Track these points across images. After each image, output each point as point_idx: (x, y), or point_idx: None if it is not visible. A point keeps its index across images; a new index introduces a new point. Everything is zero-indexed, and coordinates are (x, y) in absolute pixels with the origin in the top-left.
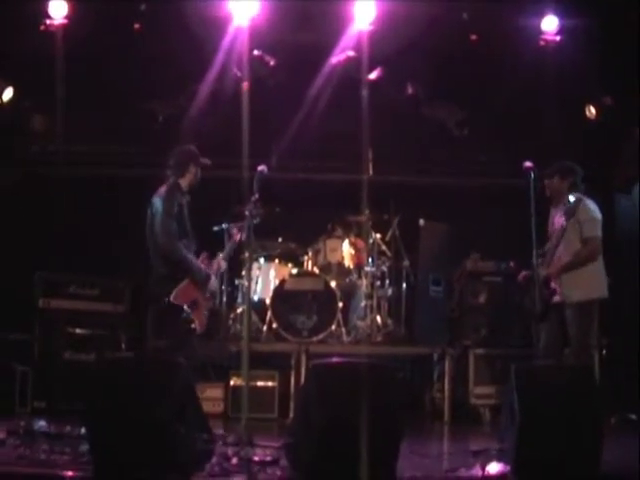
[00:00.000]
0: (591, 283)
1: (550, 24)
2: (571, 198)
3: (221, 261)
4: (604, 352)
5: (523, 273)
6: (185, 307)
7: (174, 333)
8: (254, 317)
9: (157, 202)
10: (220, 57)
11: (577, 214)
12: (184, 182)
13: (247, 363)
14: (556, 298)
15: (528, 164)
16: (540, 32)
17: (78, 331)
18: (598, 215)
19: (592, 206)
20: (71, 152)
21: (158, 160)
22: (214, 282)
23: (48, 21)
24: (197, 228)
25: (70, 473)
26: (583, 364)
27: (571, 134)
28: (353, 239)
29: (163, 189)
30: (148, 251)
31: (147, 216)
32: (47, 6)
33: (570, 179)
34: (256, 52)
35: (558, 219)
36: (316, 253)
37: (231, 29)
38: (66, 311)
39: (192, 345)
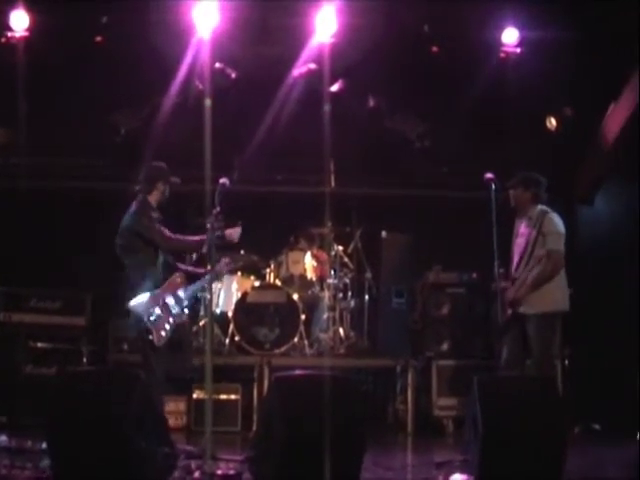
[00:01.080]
0: (553, 296)
1: (510, 36)
2: (536, 210)
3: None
4: (566, 363)
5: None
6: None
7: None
8: (216, 330)
9: (126, 219)
10: (182, 70)
11: (542, 227)
12: (152, 199)
13: (210, 376)
14: (520, 309)
15: (489, 175)
16: (501, 44)
17: (39, 345)
18: (562, 229)
19: (557, 219)
20: (33, 165)
21: (121, 173)
22: (176, 294)
23: (9, 33)
24: None
25: None
26: (546, 375)
27: (532, 145)
28: (315, 251)
29: (133, 206)
30: (111, 263)
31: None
32: (8, 18)
33: (533, 190)
34: (218, 65)
35: (523, 230)
36: (278, 265)
37: (193, 42)
38: (27, 325)
39: (151, 359)
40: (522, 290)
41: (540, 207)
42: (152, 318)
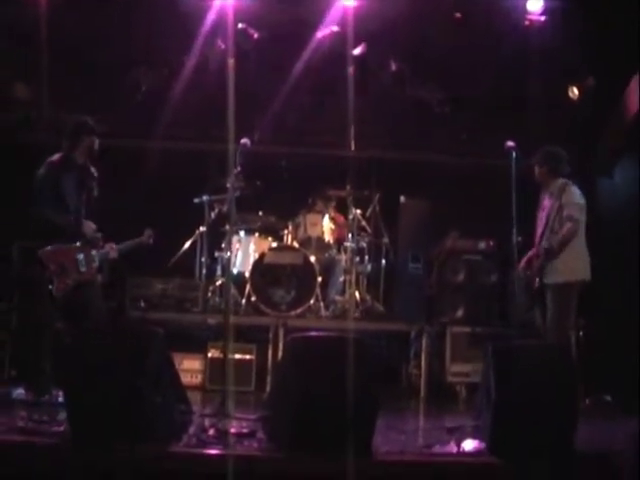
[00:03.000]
0: (570, 266)
1: (535, 4)
2: (557, 183)
3: (113, 247)
4: (581, 334)
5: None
6: (51, 267)
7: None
8: (233, 290)
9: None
10: (205, 29)
11: (562, 198)
12: (78, 153)
13: (230, 336)
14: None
15: (510, 143)
16: (525, 12)
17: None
18: (581, 200)
19: (576, 191)
20: (54, 120)
21: (139, 130)
22: (89, 253)
23: None
24: (178, 200)
25: (48, 441)
26: (560, 344)
27: (554, 114)
28: (333, 214)
29: (49, 160)
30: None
31: None
32: None
33: (552, 164)
34: (240, 25)
35: (546, 203)
36: (296, 227)
37: (216, 1)
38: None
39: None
40: (540, 258)
41: (561, 180)
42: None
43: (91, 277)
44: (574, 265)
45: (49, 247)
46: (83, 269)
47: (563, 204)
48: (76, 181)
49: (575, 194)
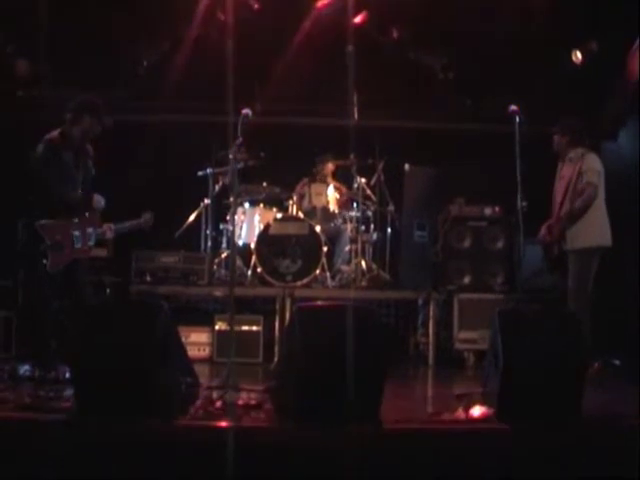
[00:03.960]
0: (589, 232)
1: None
2: (576, 152)
3: (110, 228)
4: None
5: (543, 230)
6: (48, 241)
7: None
8: (238, 262)
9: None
10: (204, 1)
11: (582, 165)
12: (77, 131)
13: (234, 308)
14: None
15: (513, 108)
16: None
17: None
18: (600, 167)
19: (595, 157)
20: (57, 97)
21: (142, 105)
22: (85, 231)
23: None
24: (182, 173)
25: (54, 417)
26: (568, 309)
27: (558, 79)
28: (338, 184)
29: (47, 137)
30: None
31: None
32: None
33: (570, 135)
34: None
35: (564, 172)
36: (301, 197)
37: None
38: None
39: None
40: (560, 224)
41: (580, 148)
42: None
43: (84, 254)
44: (594, 231)
45: (48, 221)
46: (78, 246)
47: (583, 171)
48: (73, 159)
49: (595, 161)
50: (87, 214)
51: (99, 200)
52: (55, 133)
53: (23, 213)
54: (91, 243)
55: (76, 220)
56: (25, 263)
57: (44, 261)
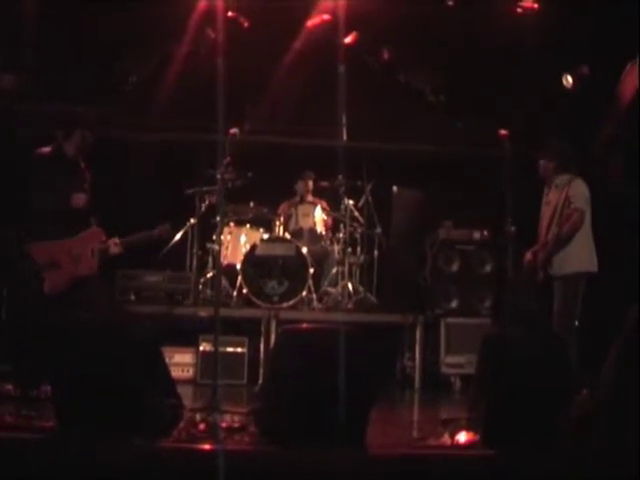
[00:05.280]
0: (580, 257)
1: None
2: (562, 177)
3: (116, 242)
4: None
5: (529, 255)
6: (40, 262)
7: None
8: (224, 282)
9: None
10: (194, 18)
11: (569, 190)
12: (70, 145)
13: (217, 328)
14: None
15: (503, 132)
16: None
17: None
18: (587, 192)
19: (582, 183)
20: (42, 112)
21: (129, 121)
22: (86, 248)
23: None
24: (168, 191)
25: (36, 436)
26: (556, 334)
27: (549, 103)
28: (325, 205)
29: (38, 151)
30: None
31: None
32: None
33: (558, 160)
34: (231, 13)
35: (550, 197)
36: (288, 218)
37: None
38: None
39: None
40: (546, 249)
41: (567, 175)
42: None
43: (88, 272)
44: (581, 256)
45: (39, 242)
46: (80, 264)
47: (570, 196)
48: (67, 176)
49: (581, 186)
50: (88, 230)
51: (79, 197)
52: (47, 148)
53: (11, 227)
54: (95, 260)
55: (75, 237)
56: (11, 280)
57: (40, 283)
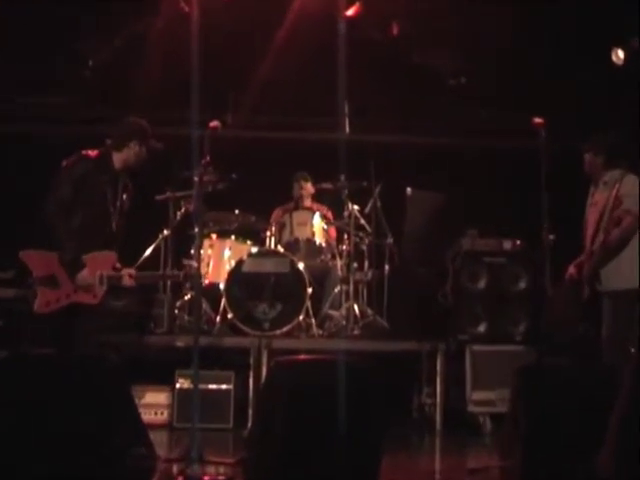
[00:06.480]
0: (633, 269)
1: None
2: (611, 173)
3: (131, 274)
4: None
5: (571, 268)
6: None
7: None
8: (205, 305)
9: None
10: None
11: (619, 189)
12: (119, 158)
13: (197, 361)
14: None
15: (538, 120)
16: None
17: None
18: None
19: (635, 181)
20: None
21: (88, 114)
22: (86, 277)
23: None
24: (136, 197)
25: None
26: (603, 364)
27: (594, 85)
28: (326, 211)
29: (84, 152)
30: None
31: None
32: None
33: (608, 155)
34: None
35: (597, 197)
36: (281, 228)
37: None
38: None
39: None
40: (593, 260)
41: (617, 170)
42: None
43: (89, 300)
44: (635, 268)
45: (38, 250)
46: (81, 287)
47: (620, 195)
48: (106, 188)
49: (634, 184)
50: (101, 252)
51: (103, 259)
52: (94, 152)
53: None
54: (102, 287)
55: (86, 256)
56: None
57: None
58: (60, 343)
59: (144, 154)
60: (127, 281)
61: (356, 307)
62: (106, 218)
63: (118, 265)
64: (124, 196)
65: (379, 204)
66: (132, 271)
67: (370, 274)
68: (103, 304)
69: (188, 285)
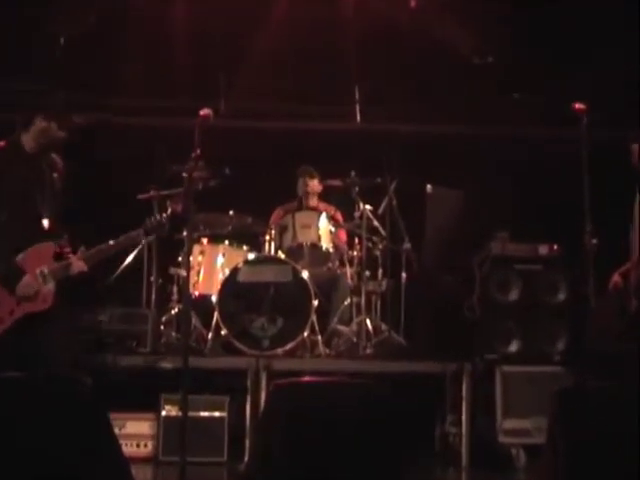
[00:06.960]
0: None
1: None
2: None
3: (80, 255)
4: None
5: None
6: None
7: None
8: (195, 321)
9: None
10: None
11: None
12: (27, 138)
13: (185, 385)
14: None
15: (579, 106)
16: None
17: None
18: None
19: None
20: None
21: (57, 99)
22: (29, 283)
23: None
24: (119, 194)
25: None
26: None
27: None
28: (333, 212)
29: None
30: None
31: None
32: None
33: None
34: None
35: None
36: (282, 231)
37: None
38: None
39: None
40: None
41: None
42: None
43: (43, 306)
44: None
45: None
46: (24, 295)
47: None
48: (25, 176)
49: None
50: (33, 247)
51: (44, 250)
52: (1, 142)
53: None
54: (49, 287)
55: (21, 256)
56: None
57: None
58: (24, 365)
59: (55, 131)
60: (76, 267)
61: (368, 322)
62: (34, 207)
63: (63, 250)
64: (54, 175)
65: (395, 203)
66: (80, 252)
67: (385, 284)
68: (58, 305)
69: (175, 298)
